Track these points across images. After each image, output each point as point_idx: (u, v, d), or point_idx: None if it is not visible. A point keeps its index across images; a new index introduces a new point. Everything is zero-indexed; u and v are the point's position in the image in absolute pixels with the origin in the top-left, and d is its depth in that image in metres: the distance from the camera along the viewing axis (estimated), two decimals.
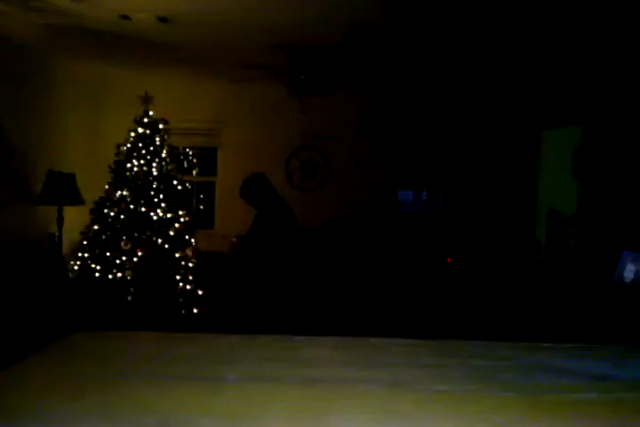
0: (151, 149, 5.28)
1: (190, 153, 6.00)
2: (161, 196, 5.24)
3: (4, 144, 4.79)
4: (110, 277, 5.05)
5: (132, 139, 5.27)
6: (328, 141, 7.17)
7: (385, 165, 7.27)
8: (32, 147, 5.36)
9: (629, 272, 4.53)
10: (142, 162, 5.23)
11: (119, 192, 5.19)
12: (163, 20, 4.26)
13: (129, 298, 5.02)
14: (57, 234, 5.38)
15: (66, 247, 5.54)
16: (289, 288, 4.64)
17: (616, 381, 2.39)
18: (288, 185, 7.19)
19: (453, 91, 6.78)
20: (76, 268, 5.14)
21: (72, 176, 5.40)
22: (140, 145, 5.25)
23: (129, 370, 2.32)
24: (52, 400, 1.95)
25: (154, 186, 5.24)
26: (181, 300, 5.26)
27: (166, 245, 5.20)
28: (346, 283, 6.28)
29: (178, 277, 5.27)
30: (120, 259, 5.08)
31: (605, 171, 5.38)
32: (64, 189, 5.29)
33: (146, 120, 5.32)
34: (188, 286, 5.28)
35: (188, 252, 5.40)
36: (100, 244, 5.13)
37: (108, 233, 5.13)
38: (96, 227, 5.16)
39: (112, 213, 5.15)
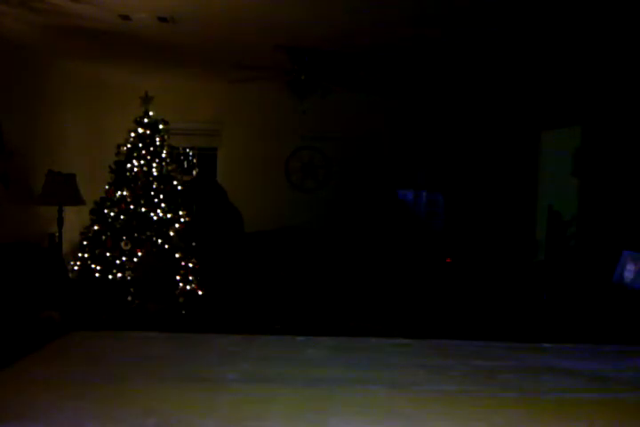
0: (151, 149, 5.29)
1: (190, 153, 6.01)
2: (161, 196, 5.25)
3: (3, 144, 4.79)
4: (110, 277, 5.05)
5: (132, 139, 5.28)
6: (328, 141, 7.17)
7: (385, 164, 7.26)
8: (32, 147, 5.36)
9: (629, 272, 4.53)
10: (142, 162, 5.24)
11: (119, 192, 5.20)
12: (163, 19, 4.25)
13: (129, 298, 5.03)
14: (57, 234, 5.38)
15: (66, 247, 5.54)
16: (248, 286, 4.65)
17: (616, 381, 2.39)
18: (288, 185, 7.20)
19: (454, 91, 6.78)
20: (76, 268, 5.14)
21: (72, 176, 5.39)
22: (141, 145, 5.26)
23: (128, 370, 2.32)
24: (51, 400, 1.95)
25: (154, 186, 5.24)
26: (181, 300, 5.26)
27: (166, 246, 5.20)
28: (346, 283, 6.28)
29: (178, 278, 5.27)
30: (120, 259, 5.09)
31: (605, 171, 5.39)
32: (64, 189, 5.29)
33: (146, 120, 5.33)
34: (189, 287, 5.29)
35: None
36: (100, 244, 5.13)
37: (108, 233, 5.13)
38: (96, 227, 5.17)
39: (112, 214, 5.15)
